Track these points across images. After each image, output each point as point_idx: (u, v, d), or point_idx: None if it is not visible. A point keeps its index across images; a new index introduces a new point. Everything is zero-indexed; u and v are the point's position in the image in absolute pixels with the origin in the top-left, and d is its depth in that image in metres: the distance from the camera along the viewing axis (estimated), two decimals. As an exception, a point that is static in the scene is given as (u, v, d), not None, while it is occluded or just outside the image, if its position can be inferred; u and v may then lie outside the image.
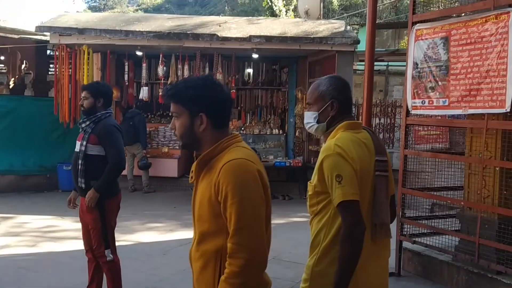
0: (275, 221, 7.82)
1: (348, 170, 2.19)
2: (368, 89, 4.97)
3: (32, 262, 5.56)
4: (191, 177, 2.01)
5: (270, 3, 18.89)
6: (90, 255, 4.16)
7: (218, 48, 9.16)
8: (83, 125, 4.08)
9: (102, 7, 47.01)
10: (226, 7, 35.06)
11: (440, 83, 4.75)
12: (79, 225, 7.17)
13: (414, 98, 5.01)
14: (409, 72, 5.07)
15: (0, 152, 9.47)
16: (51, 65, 13.19)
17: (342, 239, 2.17)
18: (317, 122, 2.40)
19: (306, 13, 10.69)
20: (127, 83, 9.97)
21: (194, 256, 1.97)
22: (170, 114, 2.05)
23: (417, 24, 5.02)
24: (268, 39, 8.86)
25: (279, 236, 6.81)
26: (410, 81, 5.05)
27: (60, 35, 9.10)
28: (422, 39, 4.95)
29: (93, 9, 45.03)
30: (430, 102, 4.86)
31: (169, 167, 10.26)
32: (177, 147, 10.51)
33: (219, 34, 8.86)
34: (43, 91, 12.04)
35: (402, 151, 5.13)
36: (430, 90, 4.86)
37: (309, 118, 2.43)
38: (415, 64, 5.01)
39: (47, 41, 10.50)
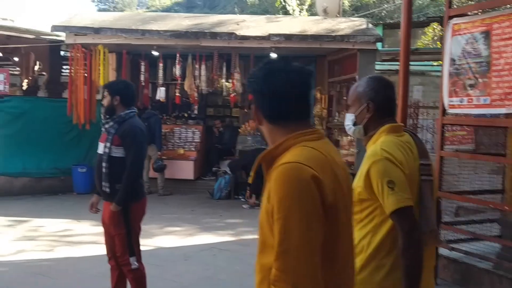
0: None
1: (399, 174, 2.05)
2: (404, 88, 4.71)
3: (49, 267, 5.36)
4: None
5: (283, 3, 18.65)
6: (113, 262, 3.94)
7: (235, 47, 8.94)
8: (107, 126, 3.87)
9: (112, 10, 47.02)
10: (235, 9, 34.87)
11: (480, 80, 4.48)
12: (96, 229, 7.06)
13: (452, 97, 4.74)
14: (446, 69, 4.81)
15: (14, 154, 9.30)
16: (64, 66, 13.08)
17: (404, 247, 2.00)
18: (354, 124, 2.30)
19: (324, 11, 10.44)
20: (142, 84, 9.78)
21: (256, 267, 1.61)
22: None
23: (454, 19, 4.75)
24: (288, 37, 8.62)
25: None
26: (447, 78, 4.78)
27: (75, 34, 8.94)
28: (459, 34, 4.68)
29: (103, 11, 45.04)
30: (470, 100, 4.59)
31: (185, 169, 10.05)
32: (193, 149, 10.31)
33: (237, 33, 8.64)
34: (56, 92, 11.91)
35: (438, 152, 4.86)
36: (469, 88, 4.59)
37: (348, 120, 2.33)
38: (452, 61, 4.74)
39: (61, 41, 10.35)
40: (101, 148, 3.85)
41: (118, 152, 3.77)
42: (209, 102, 12.34)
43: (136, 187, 3.85)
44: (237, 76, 9.25)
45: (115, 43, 8.95)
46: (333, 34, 8.65)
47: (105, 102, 3.91)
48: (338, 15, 10.41)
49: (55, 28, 9.10)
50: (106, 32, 8.81)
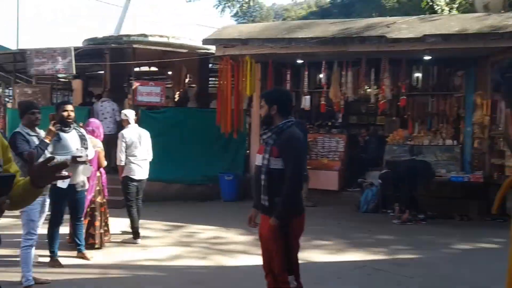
0: (457, 245, 6.79)
1: None
2: None
3: (204, 276, 5.44)
4: None
5: (430, 3, 17.38)
6: (270, 279, 3.76)
7: (385, 51, 8.42)
8: (264, 137, 3.73)
9: (250, 23, 48.79)
10: (373, 14, 33.69)
11: None
12: (245, 238, 7.11)
13: None
14: None
15: (168, 161, 9.87)
16: (211, 78, 13.74)
17: None
18: None
19: (485, 7, 9.36)
20: (293, 92, 9.70)
21: None
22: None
23: None
24: (446, 38, 7.85)
25: (472, 265, 5.83)
26: None
27: (224, 46, 9.22)
28: None
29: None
30: None
31: (329, 180, 9.75)
32: (337, 159, 9.97)
33: (388, 36, 8.12)
34: (205, 103, 12.52)
35: None
36: None
37: None
38: None
39: (211, 54, 10.82)
40: (259, 160, 3.71)
41: (277, 164, 3.60)
42: (352, 110, 11.91)
43: (296, 201, 3.64)
44: (386, 82, 8.70)
45: (261, 53, 9.04)
46: (500, 31, 7.66)
47: (262, 112, 3.77)
48: (503, 11, 9.26)
49: (206, 41, 9.49)
50: (254, 43, 8.93)
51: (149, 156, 6.90)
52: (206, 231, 7.39)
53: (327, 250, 6.53)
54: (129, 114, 6.94)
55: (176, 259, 5.97)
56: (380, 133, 11.39)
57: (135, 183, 6.70)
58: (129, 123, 6.83)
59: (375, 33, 8.40)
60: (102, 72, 13.82)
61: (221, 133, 10.02)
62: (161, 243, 6.66)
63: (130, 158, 6.62)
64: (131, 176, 6.65)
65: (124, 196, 6.74)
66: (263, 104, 3.78)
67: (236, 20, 52.39)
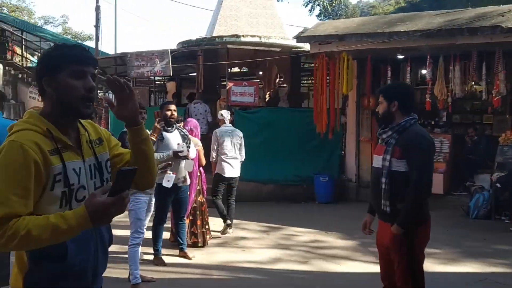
0: None
1: None
2: None
3: (307, 281, 5.21)
4: None
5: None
6: (389, 290, 3.44)
7: (500, 42, 7.63)
8: (384, 136, 3.40)
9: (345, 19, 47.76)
10: (469, 7, 31.46)
11: None
12: (346, 243, 6.77)
13: None
14: None
15: (262, 162, 9.77)
16: (303, 77, 13.49)
17: None
18: None
19: None
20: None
21: None
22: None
23: None
24: None
25: None
26: None
27: (319, 44, 8.93)
28: None
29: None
30: None
31: (433, 183, 9.04)
32: (441, 160, 9.26)
33: (503, 25, 7.35)
34: (296, 103, 12.30)
35: None
36: None
37: None
38: None
39: (305, 52, 10.58)
40: (378, 162, 3.39)
41: (400, 166, 3.26)
42: (454, 108, 11.03)
43: (422, 207, 3.28)
44: (501, 76, 7.90)
45: (358, 49, 8.63)
46: None
47: (381, 109, 3.45)
48: None
49: (300, 39, 9.26)
50: (351, 39, 8.55)
51: (241, 156, 7.15)
52: (304, 234, 7.15)
53: (438, 259, 5.98)
54: (225, 114, 7.29)
55: (277, 262, 5.79)
56: (487, 132, 10.46)
57: (224, 181, 7.00)
58: (224, 123, 7.17)
59: (487, 23, 7.65)
60: (194, 74, 14.12)
61: (315, 133, 9.74)
62: (260, 245, 6.52)
63: (221, 156, 6.95)
64: (221, 174, 6.96)
65: (212, 190, 7.06)
66: (381, 101, 3.45)
67: (320, 20, 51.71)
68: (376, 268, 5.52)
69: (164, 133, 5.32)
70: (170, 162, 5.20)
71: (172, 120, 5.48)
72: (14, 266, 1.90)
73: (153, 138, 4.91)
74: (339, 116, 9.34)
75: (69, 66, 1.81)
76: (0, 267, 4.73)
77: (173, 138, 5.48)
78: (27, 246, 1.67)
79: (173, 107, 5.56)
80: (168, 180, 5.06)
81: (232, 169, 6.99)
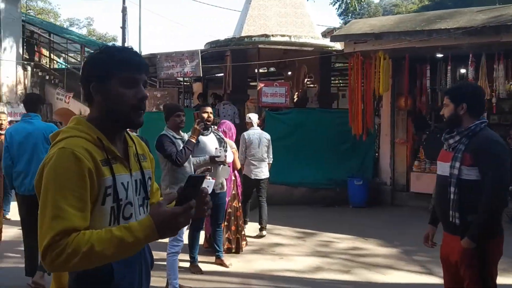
0: None
1: None
2: None
3: (351, 292, 4.95)
4: None
5: None
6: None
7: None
8: (451, 141, 3.11)
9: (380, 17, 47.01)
10: (496, 4, 30.59)
11: None
12: (388, 251, 6.45)
13: None
14: None
15: (293, 164, 9.53)
16: (332, 78, 13.19)
17: None
18: None
19: None
20: (428, 89, 8.82)
21: None
22: None
23: None
24: None
25: None
26: None
27: (354, 42, 8.64)
28: None
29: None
30: None
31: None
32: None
33: (553, 22, 6.97)
34: (326, 104, 12.01)
35: None
36: None
37: None
38: None
39: (336, 51, 10.31)
40: (444, 169, 3.11)
41: (471, 174, 2.97)
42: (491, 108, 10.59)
43: (496, 218, 2.99)
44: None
45: (394, 48, 8.31)
46: None
47: (446, 112, 3.17)
48: None
49: (335, 38, 8.99)
50: (388, 37, 8.24)
51: (269, 158, 7.18)
52: (342, 241, 6.87)
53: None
54: (253, 117, 7.37)
55: (318, 271, 5.53)
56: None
57: (251, 183, 7.03)
58: (252, 126, 7.23)
59: (536, 18, 7.26)
60: (221, 74, 13.95)
61: (348, 135, 9.46)
62: (298, 252, 6.28)
63: (249, 158, 7.02)
64: (248, 176, 7.01)
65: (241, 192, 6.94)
66: (447, 103, 3.17)
67: (342, 19, 51.12)
68: (423, 279, 5.26)
69: (200, 137, 5.12)
70: (209, 167, 5.00)
71: (209, 122, 5.30)
72: (52, 285, 1.75)
73: (193, 140, 4.71)
74: (373, 118, 9.03)
75: (120, 74, 1.64)
76: (32, 259, 4.67)
77: (209, 142, 5.30)
78: (88, 264, 1.47)
79: (209, 109, 5.38)
80: (207, 186, 4.85)
81: (259, 171, 7.01)
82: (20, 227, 4.90)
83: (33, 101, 4.84)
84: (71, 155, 1.52)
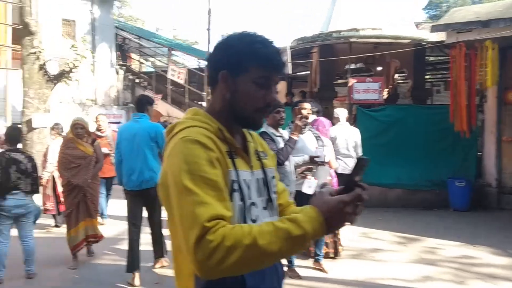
0: None
1: None
2: None
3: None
4: None
5: None
6: None
7: None
8: None
9: (443, 14, 44.42)
10: None
11: None
12: (503, 260, 5.73)
13: None
14: None
15: (388, 164, 8.97)
16: (427, 72, 12.39)
17: None
18: None
19: None
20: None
21: None
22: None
23: None
24: None
25: None
26: None
27: (457, 32, 7.95)
28: None
29: (434, 18, 42.97)
30: None
31: None
32: None
33: None
34: (420, 100, 11.29)
35: None
36: None
37: None
38: None
39: (432, 43, 9.64)
40: None
41: None
42: None
43: None
44: None
45: (506, 36, 7.51)
46: None
47: None
48: None
49: (436, 28, 8.32)
50: (497, 24, 7.45)
51: (357, 154, 6.87)
52: (448, 247, 6.30)
53: None
54: (340, 112, 7.16)
55: (427, 280, 5.05)
56: None
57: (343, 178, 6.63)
58: (339, 121, 7.05)
59: None
60: (304, 72, 13.63)
61: (447, 132, 8.75)
62: (400, 259, 5.82)
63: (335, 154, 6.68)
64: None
65: None
66: None
67: (427, 13, 48.55)
68: None
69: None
70: (310, 166, 4.72)
71: (307, 120, 5.02)
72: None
73: (295, 138, 4.45)
74: (475, 113, 8.27)
75: (256, 70, 1.43)
76: (159, 242, 5.01)
77: (307, 140, 5.01)
78: (248, 262, 1.23)
79: (308, 105, 5.12)
80: (309, 186, 4.58)
81: (345, 167, 6.67)
82: (126, 223, 4.89)
83: (142, 102, 5.13)
84: (196, 142, 1.33)
